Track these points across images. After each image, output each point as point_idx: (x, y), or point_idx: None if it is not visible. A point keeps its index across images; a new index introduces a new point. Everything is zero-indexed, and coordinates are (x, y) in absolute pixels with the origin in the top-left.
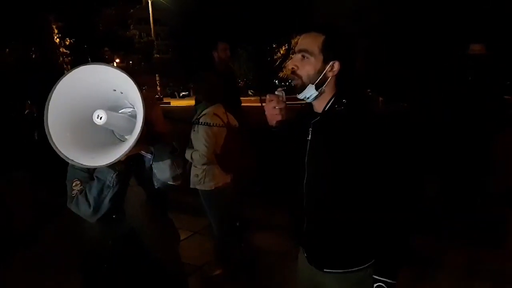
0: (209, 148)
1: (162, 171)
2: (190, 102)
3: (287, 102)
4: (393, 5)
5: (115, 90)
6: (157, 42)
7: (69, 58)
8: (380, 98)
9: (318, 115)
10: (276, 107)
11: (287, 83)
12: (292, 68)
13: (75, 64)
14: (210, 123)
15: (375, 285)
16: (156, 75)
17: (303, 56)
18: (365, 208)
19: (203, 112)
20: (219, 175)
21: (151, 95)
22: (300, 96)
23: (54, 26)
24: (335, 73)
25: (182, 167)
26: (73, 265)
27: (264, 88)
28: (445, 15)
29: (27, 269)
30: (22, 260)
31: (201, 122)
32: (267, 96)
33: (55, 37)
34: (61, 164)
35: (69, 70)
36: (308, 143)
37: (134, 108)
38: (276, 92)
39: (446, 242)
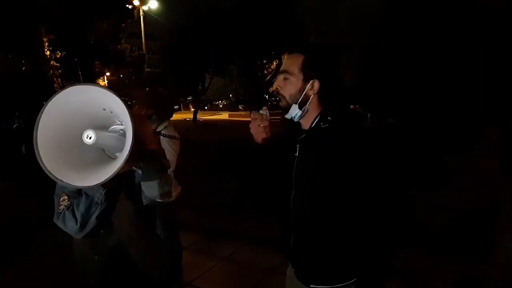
0: (175, 157)
1: (151, 188)
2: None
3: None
4: (384, 20)
5: (104, 109)
6: (148, 56)
7: (60, 71)
8: (369, 115)
9: (304, 132)
10: (261, 125)
11: (278, 98)
12: (276, 88)
13: (65, 77)
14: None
15: None
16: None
17: (285, 77)
18: (350, 225)
19: (162, 126)
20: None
21: (140, 111)
22: (287, 116)
23: (45, 39)
24: (316, 91)
25: (171, 185)
26: (61, 279)
27: (254, 103)
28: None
29: (14, 283)
30: (9, 273)
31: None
32: (251, 114)
33: (46, 49)
34: (48, 178)
35: (58, 91)
36: (296, 159)
37: (123, 125)
38: (260, 111)
39: (435, 257)
